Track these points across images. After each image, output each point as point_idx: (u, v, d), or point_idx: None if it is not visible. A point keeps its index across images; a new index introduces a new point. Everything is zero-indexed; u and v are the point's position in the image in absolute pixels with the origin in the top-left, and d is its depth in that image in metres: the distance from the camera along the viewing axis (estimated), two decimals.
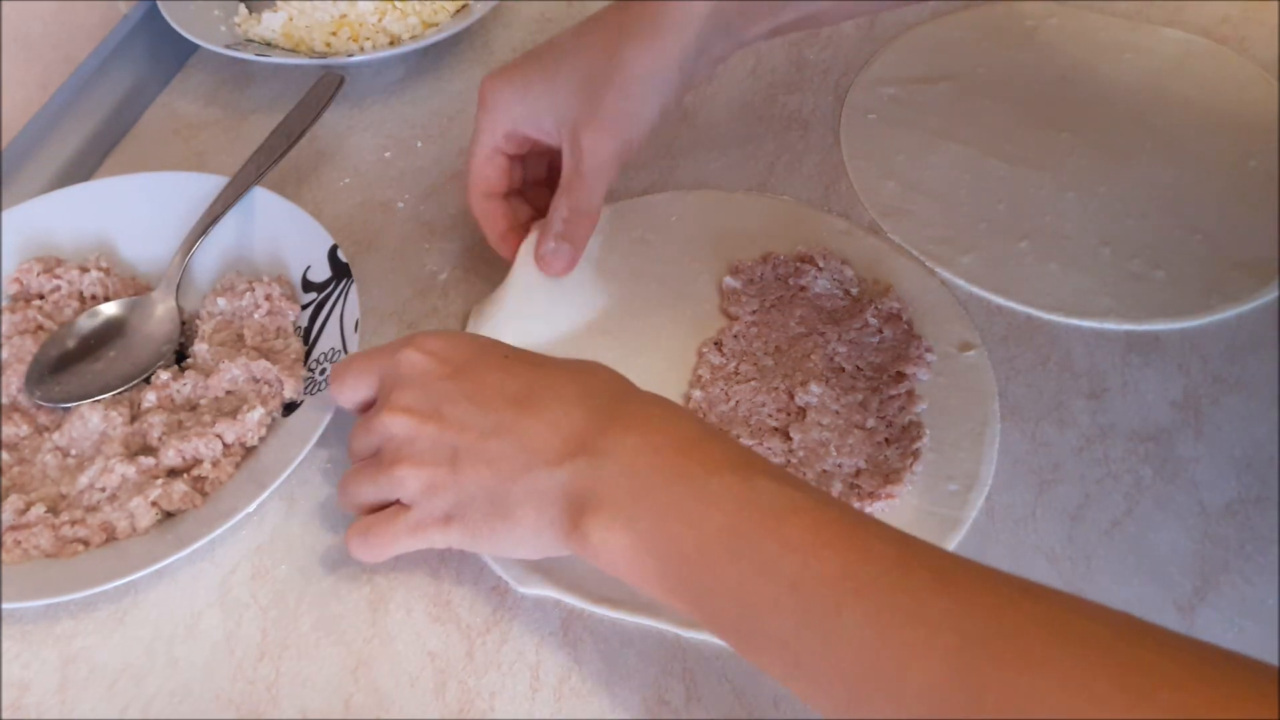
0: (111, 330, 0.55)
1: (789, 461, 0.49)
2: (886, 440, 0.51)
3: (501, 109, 0.53)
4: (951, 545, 0.47)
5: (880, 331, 0.55)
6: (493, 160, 0.55)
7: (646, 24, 0.51)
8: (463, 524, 0.42)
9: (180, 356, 0.55)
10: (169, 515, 0.48)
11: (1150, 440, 0.51)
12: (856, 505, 0.48)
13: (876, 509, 0.48)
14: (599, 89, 0.51)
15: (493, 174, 0.55)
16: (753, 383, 0.52)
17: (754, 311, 0.56)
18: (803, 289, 0.57)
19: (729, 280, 0.57)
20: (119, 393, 0.52)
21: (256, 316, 0.55)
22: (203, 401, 0.52)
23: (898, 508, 0.48)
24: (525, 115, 0.53)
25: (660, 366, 0.54)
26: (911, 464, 0.49)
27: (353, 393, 0.47)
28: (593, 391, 0.42)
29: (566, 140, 0.52)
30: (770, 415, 0.51)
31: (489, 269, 0.60)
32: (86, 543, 0.47)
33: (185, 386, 0.52)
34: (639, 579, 0.38)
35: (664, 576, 0.37)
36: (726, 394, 0.52)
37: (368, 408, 0.47)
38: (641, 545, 0.37)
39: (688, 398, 0.52)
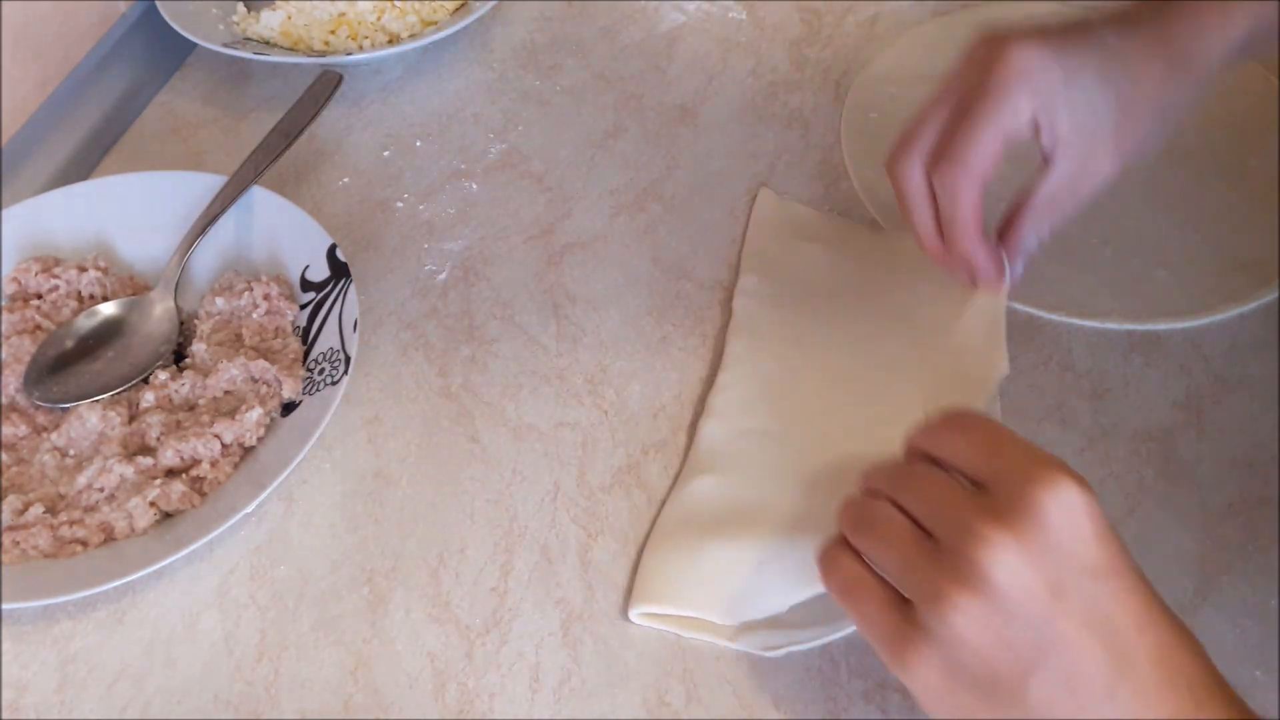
0: (110, 330, 0.55)
1: None
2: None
3: (1041, 90, 0.46)
4: None
5: None
6: (996, 143, 0.46)
7: (1185, 57, 0.47)
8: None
9: (179, 356, 0.55)
10: (167, 515, 0.48)
11: (1152, 440, 0.51)
12: None
13: None
14: (1135, 117, 0.47)
15: (994, 159, 0.47)
16: None
17: None
18: None
19: None
20: (117, 393, 0.52)
21: (255, 316, 0.54)
22: (201, 401, 0.52)
23: None
24: (1049, 106, 0.46)
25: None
26: None
27: None
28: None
29: (1075, 152, 0.47)
30: None
31: (488, 269, 0.60)
32: (85, 543, 0.47)
33: (183, 386, 0.52)
34: None
35: None
36: None
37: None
38: None
39: None
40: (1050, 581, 0.33)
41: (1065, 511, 0.34)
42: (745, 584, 0.44)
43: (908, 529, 0.37)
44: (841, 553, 0.39)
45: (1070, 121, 0.46)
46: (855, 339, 0.54)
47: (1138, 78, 0.47)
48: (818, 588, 0.41)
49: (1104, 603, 0.34)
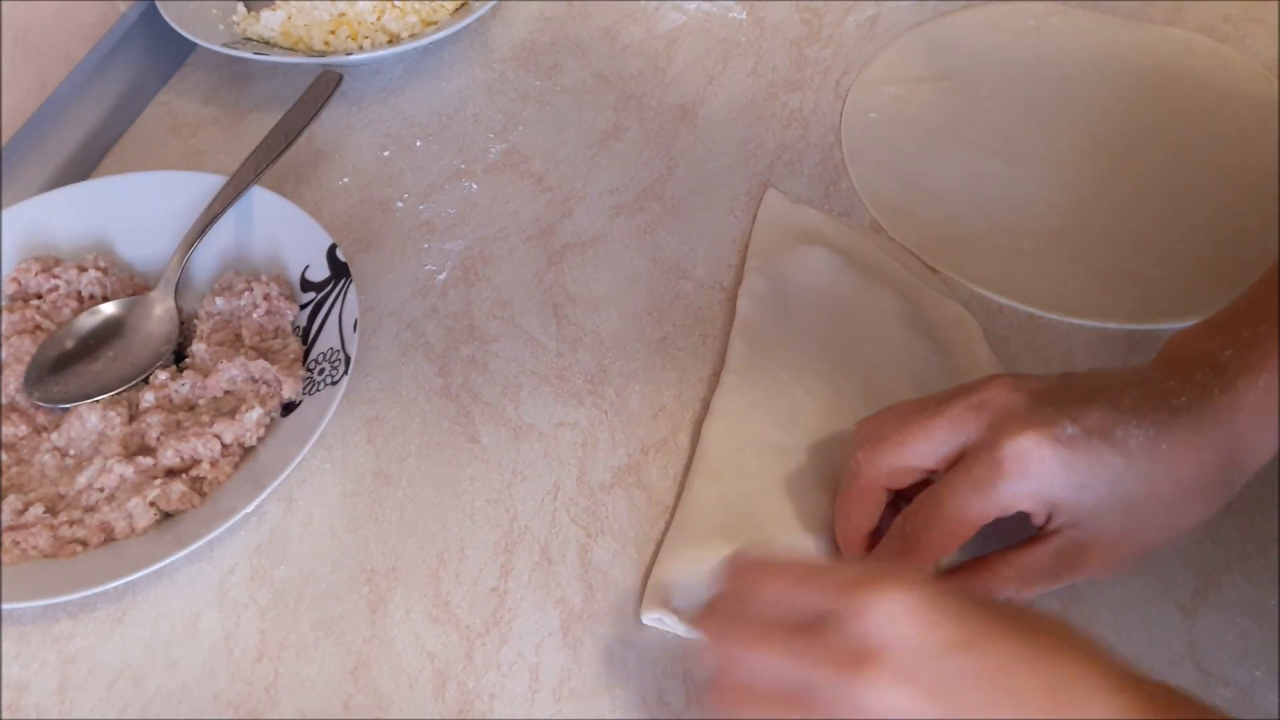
0: (110, 330, 0.55)
1: None
2: None
3: (1034, 489, 0.40)
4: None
5: None
6: (966, 529, 0.42)
7: (1214, 475, 0.41)
8: None
9: (179, 356, 0.55)
10: (167, 515, 0.48)
11: None
12: None
13: None
14: (1143, 527, 0.42)
15: (964, 539, 0.42)
16: None
17: None
18: None
19: None
20: (117, 393, 0.52)
21: (255, 316, 0.54)
22: (201, 401, 0.52)
23: None
24: (1045, 499, 0.41)
25: None
26: None
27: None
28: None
29: (1066, 544, 0.42)
30: None
31: (488, 269, 0.60)
32: (85, 543, 0.47)
33: (183, 386, 0.52)
34: None
35: None
36: None
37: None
38: None
39: None
40: (927, 687, 0.33)
41: (902, 623, 0.33)
42: None
43: (773, 697, 0.35)
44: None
45: (1070, 516, 0.41)
46: (858, 348, 0.54)
47: (1155, 489, 0.41)
48: None
49: (982, 665, 0.33)
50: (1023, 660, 0.34)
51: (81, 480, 0.48)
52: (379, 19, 0.71)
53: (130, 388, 0.53)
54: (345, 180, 0.65)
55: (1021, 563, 0.43)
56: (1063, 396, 0.41)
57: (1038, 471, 0.40)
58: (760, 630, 0.36)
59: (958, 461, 0.42)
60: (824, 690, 0.34)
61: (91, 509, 0.48)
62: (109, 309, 0.55)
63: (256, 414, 0.50)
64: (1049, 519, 0.42)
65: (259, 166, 0.59)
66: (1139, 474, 0.40)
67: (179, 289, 0.56)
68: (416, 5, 0.72)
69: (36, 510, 0.47)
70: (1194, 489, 0.41)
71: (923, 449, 0.42)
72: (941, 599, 0.34)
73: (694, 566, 0.46)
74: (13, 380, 0.52)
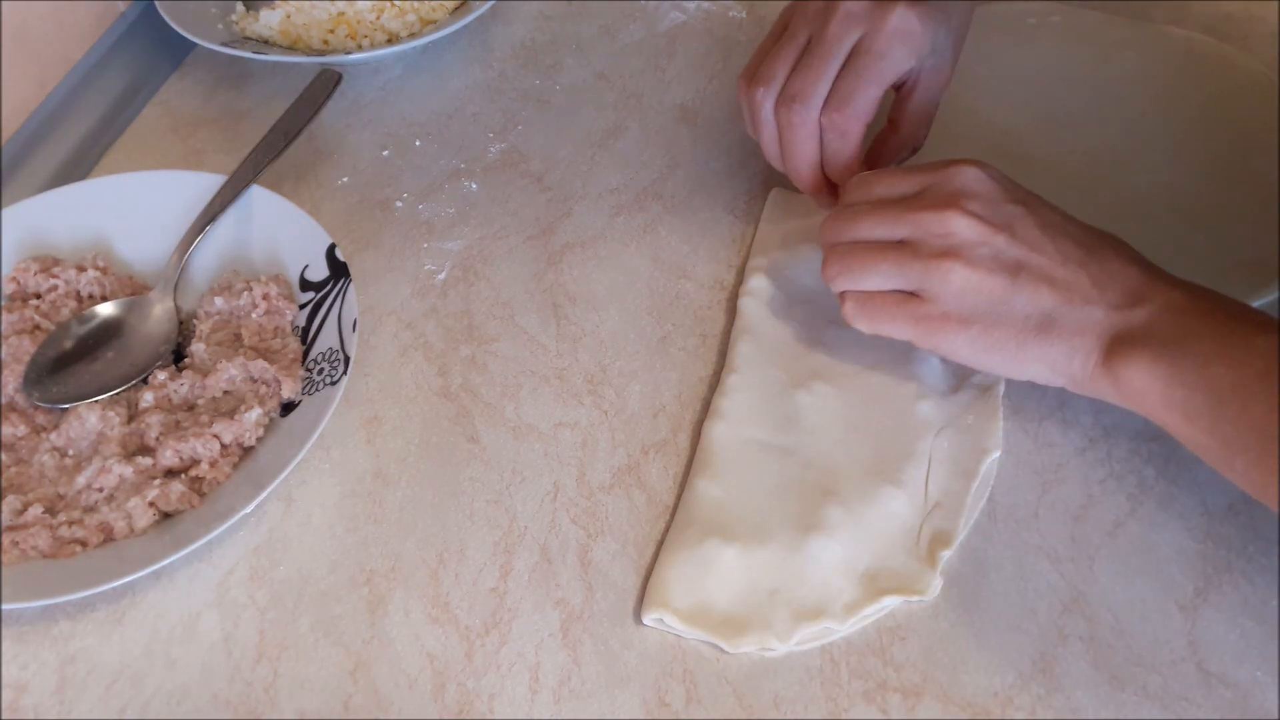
0: (109, 330, 0.55)
1: None
2: None
3: (919, 50, 0.54)
4: (953, 544, 0.47)
5: None
6: (881, 93, 0.55)
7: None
8: (986, 332, 0.45)
9: (178, 356, 0.55)
10: (166, 516, 0.48)
11: (1153, 440, 0.51)
12: None
13: None
14: (957, 47, 0.58)
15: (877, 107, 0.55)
16: None
17: None
18: None
19: None
20: (116, 393, 0.52)
21: (254, 316, 0.54)
22: (200, 401, 0.52)
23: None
24: (926, 41, 0.54)
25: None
26: None
27: (885, 189, 0.49)
28: (1137, 255, 0.47)
29: (934, 79, 0.57)
30: None
31: (488, 268, 0.60)
32: (84, 543, 0.47)
33: (183, 386, 0.52)
34: (1159, 408, 0.43)
35: (1189, 406, 0.42)
36: None
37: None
38: (1176, 380, 0.42)
39: None
40: (998, 222, 0.46)
41: (978, 180, 0.47)
42: (755, 614, 0.45)
43: (882, 246, 0.48)
44: (848, 296, 0.49)
45: (919, 62, 0.55)
46: (859, 349, 0.53)
47: (954, 47, 0.57)
48: (825, 625, 0.44)
49: (1038, 216, 0.47)
50: (1068, 224, 0.47)
51: (81, 480, 0.48)
52: (378, 18, 0.71)
53: (130, 388, 0.53)
54: (345, 180, 0.65)
55: (912, 111, 0.57)
56: None
57: (909, 31, 0.53)
58: (874, 204, 0.49)
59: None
60: (922, 226, 0.47)
61: (91, 509, 0.48)
62: (108, 309, 0.55)
63: (256, 414, 0.50)
64: (917, 78, 0.56)
65: (258, 166, 0.59)
66: (954, 32, 0.57)
67: (178, 289, 0.56)
68: (416, 4, 0.72)
69: (36, 510, 0.47)
70: (969, 14, 0.60)
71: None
72: (1009, 179, 0.49)
73: (694, 567, 0.46)
74: (12, 380, 0.52)
